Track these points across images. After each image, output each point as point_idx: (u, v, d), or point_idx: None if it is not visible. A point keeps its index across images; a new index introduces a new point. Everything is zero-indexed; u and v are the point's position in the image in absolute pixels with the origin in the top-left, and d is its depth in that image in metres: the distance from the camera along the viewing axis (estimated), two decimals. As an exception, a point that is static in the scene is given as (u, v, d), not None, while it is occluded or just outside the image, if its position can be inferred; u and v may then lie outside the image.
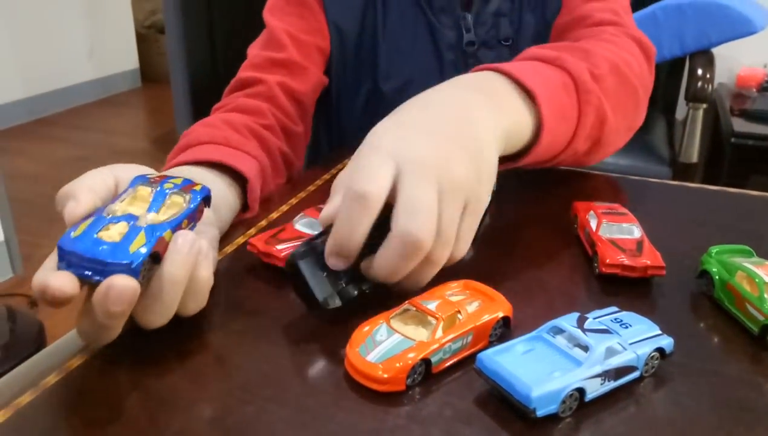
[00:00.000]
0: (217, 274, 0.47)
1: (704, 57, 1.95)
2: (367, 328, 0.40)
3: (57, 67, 3.80)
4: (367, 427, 0.35)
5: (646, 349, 0.38)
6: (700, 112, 1.92)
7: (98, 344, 0.39)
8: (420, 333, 0.39)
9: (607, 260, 0.48)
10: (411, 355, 0.37)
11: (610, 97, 0.60)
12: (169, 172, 0.48)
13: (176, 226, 0.40)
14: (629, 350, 0.38)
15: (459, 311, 0.40)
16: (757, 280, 0.44)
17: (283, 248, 0.49)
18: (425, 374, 0.38)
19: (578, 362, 0.36)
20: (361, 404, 0.37)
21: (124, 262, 0.36)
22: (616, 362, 0.37)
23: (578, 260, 0.53)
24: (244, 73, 0.73)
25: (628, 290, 0.48)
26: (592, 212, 0.54)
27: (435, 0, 0.74)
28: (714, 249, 0.49)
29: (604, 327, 0.38)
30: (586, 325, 0.38)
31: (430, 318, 0.39)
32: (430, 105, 0.48)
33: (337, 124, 0.81)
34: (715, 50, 2.39)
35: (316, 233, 0.46)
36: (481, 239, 0.51)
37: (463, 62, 0.76)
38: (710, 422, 0.36)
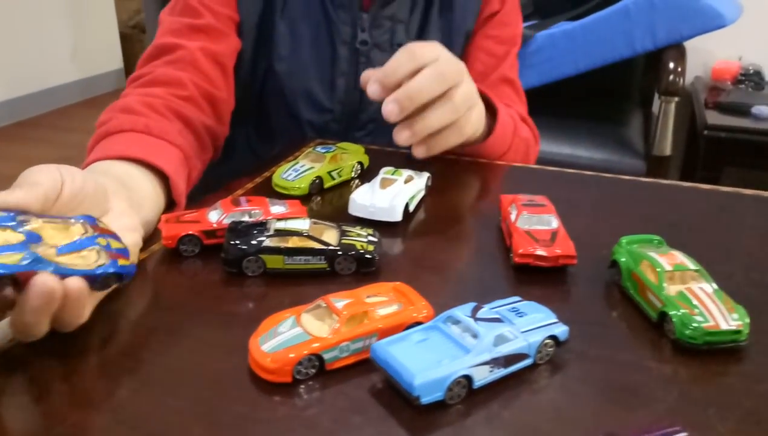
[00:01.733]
0: (142, 272, 0.48)
1: (676, 51, 1.96)
2: (277, 320, 0.41)
3: (39, 68, 3.78)
4: (260, 417, 0.36)
5: (538, 337, 0.39)
6: (672, 106, 1.94)
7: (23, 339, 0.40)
8: (321, 329, 0.40)
9: (520, 251, 0.49)
10: (302, 349, 0.38)
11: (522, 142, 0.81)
12: (103, 221, 0.46)
13: (61, 273, 0.38)
14: (520, 338, 0.39)
15: (367, 312, 0.41)
16: (658, 269, 0.45)
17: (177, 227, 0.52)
18: (319, 369, 0.39)
19: (467, 349, 0.37)
20: (257, 394, 0.38)
21: None
22: (506, 349, 0.38)
23: (499, 251, 0.54)
24: (162, 39, 0.73)
25: (543, 279, 0.49)
26: (513, 205, 0.55)
27: None
28: (624, 239, 0.50)
29: (497, 316, 0.39)
30: (479, 314, 0.39)
31: (334, 316, 0.40)
32: None
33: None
34: (690, 44, 2.40)
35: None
36: (416, 213, 0.52)
37: (354, 60, 0.78)
38: (595, 406, 0.37)
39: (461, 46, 0.85)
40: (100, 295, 0.43)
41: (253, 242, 0.48)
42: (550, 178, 0.72)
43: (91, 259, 0.41)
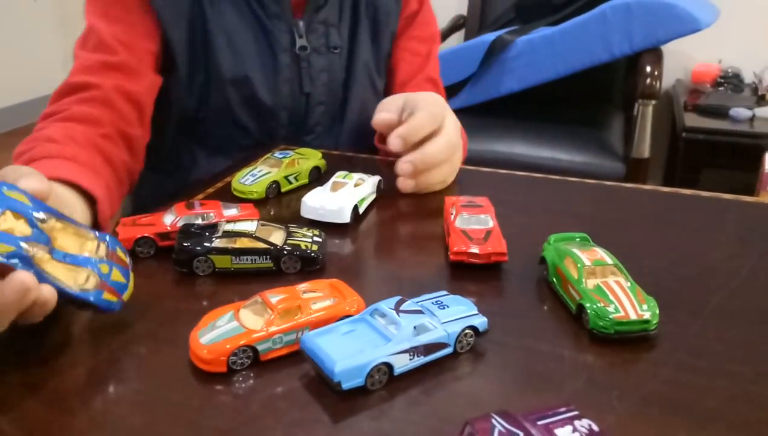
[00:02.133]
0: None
1: (653, 54, 1.99)
2: (216, 315, 0.44)
3: (30, 77, 3.81)
4: (194, 404, 0.39)
5: (458, 327, 0.42)
6: (650, 109, 1.97)
7: None
8: (257, 323, 0.42)
9: (455, 248, 0.52)
10: (236, 341, 0.41)
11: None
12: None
13: (41, 280, 0.40)
14: (440, 328, 0.41)
15: (300, 307, 0.44)
16: (579, 264, 0.48)
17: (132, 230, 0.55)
18: (253, 360, 0.41)
19: (388, 339, 0.40)
20: (194, 384, 0.40)
21: None
22: (425, 338, 0.41)
23: (440, 250, 0.57)
24: (75, 77, 0.72)
25: (478, 275, 0.52)
26: (454, 206, 0.58)
27: (269, 6, 0.78)
28: (552, 237, 0.53)
29: (419, 308, 0.42)
30: (403, 306, 0.42)
31: (269, 310, 0.43)
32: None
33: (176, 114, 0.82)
34: (671, 47, 2.44)
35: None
36: (366, 215, 0.55)
37: (296, 65, 0.81)
38: (508, 391, 0.40)
39: (388, 48, 0.88)
40: None
41: (203, 244, 0.51)
42: (500, 179, 0.75)
43: (80, 279, 0.43)
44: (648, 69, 1.93)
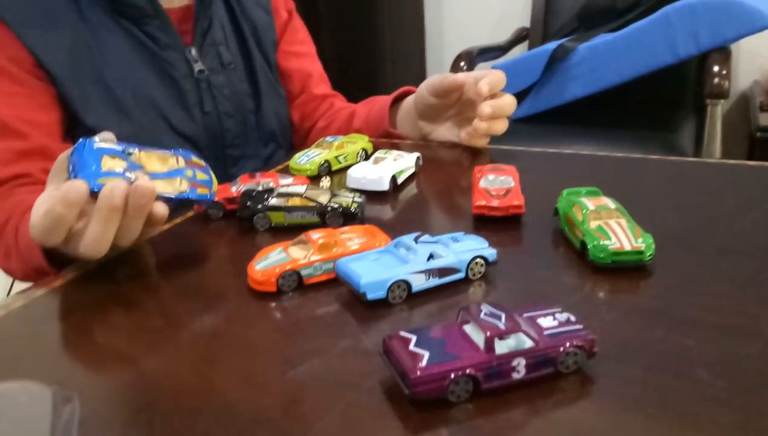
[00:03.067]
0: (180, 229, 0.61)
1: (720, 54, 1.97)
2: (269, 250, 0.53)
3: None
4: (250, 312, 0.48)
5: (468, 256, 0.49)
6: (719, 109, 1.95)
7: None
8: (301, 254, 0.51)
9: (476, 203, 0.59)
10: (284, 266, 0.50)
11: None
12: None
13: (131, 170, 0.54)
14: (452, 255, 0.49)
15: (337, 242, 0.52)
16: (584, 209, 0.53)
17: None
18: (298, 282, 0.50)
19: (407, 262, 0.48)
20: (250, 300, 0.50)
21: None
22: (439, 263, 0.48)
23: (467, 211, 0.64)
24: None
25: (497, 226, 0.59)
26: (481, 172, 0.65)
27: (160, 39, 0.82)
28: (566, 191, 0.59)
29: (434, 240, 0.50)
30: (421, 239, 0.50)
31: (310, 244, 0.52)
32: None
33: None
34: (746, 48, 2.39)
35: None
36: (405, 187, 0.63)
37: (197, 88, 0.85)
38: (507, 302, 0.47)
39: (274, 57, 0.97)
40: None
41: (262, 202, 0.61)
42: (538, 158, 0.81)
43: (176, 186, 0.55)
44: (716, 69, 1.91)
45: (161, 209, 0.54)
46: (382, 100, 0.95)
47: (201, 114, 0.86)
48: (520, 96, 2.12)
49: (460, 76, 0.81)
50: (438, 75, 0.84)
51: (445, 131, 0.88)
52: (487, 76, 0.79)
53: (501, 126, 0.80)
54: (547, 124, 2.00)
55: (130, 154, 0.55)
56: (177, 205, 0.56)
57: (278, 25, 0.99)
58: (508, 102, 0.80)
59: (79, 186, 0.50)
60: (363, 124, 0.95)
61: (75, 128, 0.79)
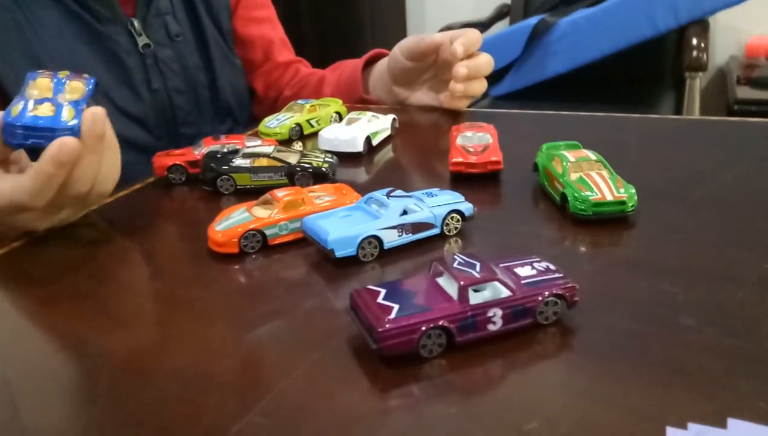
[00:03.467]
0: (140, 196, 0.58)
1: (699, 26, 1.96)
2: (232, 211, 0.50)
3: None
4: (210, 275, 0.45)
5: (443, 211, 0.46)
6: (697, 81, 1.94)
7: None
8: (265, 213, 0.48)
9: (453, 160, 0.56)
10: (246, 226, 0.46)
11: None
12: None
13: (86, 101, 0.50)
14: (426, 210, 0.46)
15: (304, 200, 0.49)
16: (564, 162, 0.51)
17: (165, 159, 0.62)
18: (263, 243, 0.47)
19: (378, 217, 0.45)
20: (210, 262, 0.46)
21: (68, 126, 0.48)
22: (412, 218, 0.45)
23: (443, 171, 0.61)
24: None
25: (476, 184, 0.56)
26: (458, 130, 0.62)
27: (99, 12, 0.75)
28: (545, 145, 0.56)
29: (408, 195, 0.47)
30: (393, 194, 0.47)
31: (275, 203, 0.49)
32: None
33: None
34: (723, 22, 2.38)
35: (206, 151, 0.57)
36: (380, 148, 0.60)
37: (143, 64, 0.79)
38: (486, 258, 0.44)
39: (228, 24, 0.90)
40: None
41: (226, 164, 0.57)
42: (517, 118, 0.78)
43: (78, 86, 0.51)
44: (694, 41, 1.90)
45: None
46: (352, 65, 0.91)
47: (148, 92, 0.80)
48: (501, 73, 2.09)
49: (437, 37, 0.78)
50: (412, 37, 0.81)
51: (422, 95, 0.85)
52: (462, 36, 0.76)
53: (479, 86, 0.78)
54: (528, 101, 1.98)
55: (31, 97, 0.50)
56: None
57: None
58: (484, 61, 0.77)
59: (70, 143, 0.47)
60: (334, 90, 0.91)
61: None
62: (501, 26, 2.47)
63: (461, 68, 0.75)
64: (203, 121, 0.86)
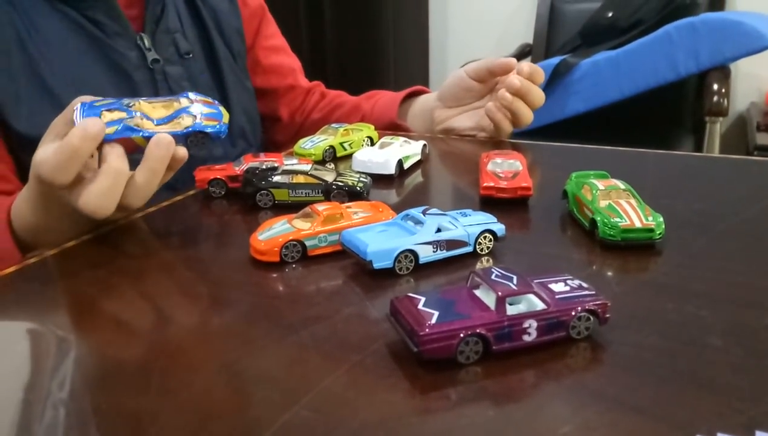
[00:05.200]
0: (180, 207, 0.60)
1: (720, 72, 1.99)
2: (273, 222, 0.52)
3: None
4: (253, 281, 0.47)
5: (477, 230, 0.48)
6: (717, 126, 1.97)
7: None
8: (305, 225, 0.50)
9: (484, 184, 0.59)
10: (287, 236, 0.49)
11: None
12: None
13: (149, 135, 0.52)
14: (460, 228, 0.48)
15: (343, 215, 0.51)
16: (593, 190, 0.53)
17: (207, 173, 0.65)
18: (302, 254, 0.49)
19: (414, 233, 0.47)
20: (251, 269, 0.49)
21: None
22: (446, 235, 0.47)
23: (474, 195, 0.63)
24: None
25: (506, 208, 0.58)
26: (488, 156, 0.64)
27: (108, 26, 0.74)
28: (574, 174, 0.58)
29: (443, 213, 0.49)
30: (429, 211, 0.49)
31: (315, 215, 0.51)
32: None
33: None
34: (744, 70, 2.41)
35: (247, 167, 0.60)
36: (411, 172, 0.63)
37: (152, 79, 0.77)
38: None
39: (240, 47, 0.90)
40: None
41: (265, 179, 0.60)
42: (546, 150, 0.81)
43: (180, 124, 0.54)
44: (715, 87, 1.93)
45: (181, 152, 0.53)
46: (390, 95, 0.94)
47: None
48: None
49: (512, 60, 0.81)
50: (479, 61, 0.84)
51: (465, 119, 0.87)
52: (528, 64, 0.79)
53: (525, 112, 0.79)
54: (549, 139, 2.00)
55: (129, 104, 0.53)
56: (187, 144, 0.54)
57: (245, 15, 0.92)
58: (538, 90, 0.79)
59: (97, 122, 0.49)
60: (368, 116, 0.94)
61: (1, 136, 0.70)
62: (522, 65, 2.52)
63: (515, 79, 0.77)
64: (214, 143, 0.83)
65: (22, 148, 0.70)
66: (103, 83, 0.73)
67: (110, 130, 0.51)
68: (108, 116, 0.52)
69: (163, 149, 0.51)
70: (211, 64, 0.85)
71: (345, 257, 0.49)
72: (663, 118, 2.31)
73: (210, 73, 0.85)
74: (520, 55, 2.54)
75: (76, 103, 0.53)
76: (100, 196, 0.50)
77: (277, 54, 0.99)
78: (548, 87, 2.05)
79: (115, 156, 0.50)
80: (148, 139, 0.52)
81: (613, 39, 2.23)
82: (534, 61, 2.49)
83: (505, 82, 0.79)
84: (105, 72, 0.74)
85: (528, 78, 0.78)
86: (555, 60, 2.08)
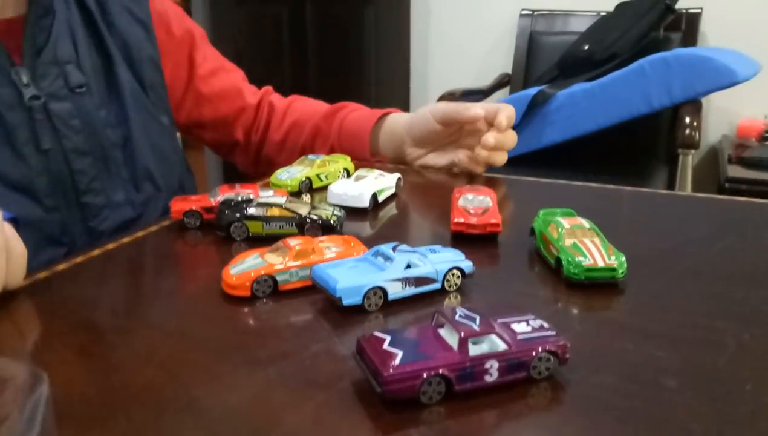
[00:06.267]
0: (155, 237, 0.61)
1: (692, 106, 2.04)
2: (245, 256, 0.52)
3: None
4: (222, 314, 0.47)
5: (445, 266, 0.49)
6: (690, 158, 2.01)
7: None
8: (277, 260, 0.51)
9: (455, 220, 0.60)
10: (259, 271, 0.49)
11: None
12: None
13: None
14: (429, 265, 0.49)
15: (314, 249, 0.52)
16: (559, 228, 0.54)
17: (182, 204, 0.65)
18: (273, 288, 0.50)
19: (383, 269, 0.48)
20: (221, 303, 0.49)
21: None
22: (415, 272, 0.48)
23: (445, 230, 0.64)
24: None
25: (475, 244, 0.59)
26: (460, 192, 0.66)
27: None
28: (542, 211, 0.59)
29: (412, 250, 0.50)
30: (399, 248, 0.50)
31: (287, 250, 0.52)
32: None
33: None
34: (716, 103, 2.48)
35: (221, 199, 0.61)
36: (385, 205, 0.64)
37: (30, 118, 0.68)
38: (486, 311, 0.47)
39: (155, 78, 0.82)
40: None
41: (240, 211, 0.61)
42: (516, 185, 0.82)
43: None
44: (687, 120, 1.98)
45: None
46: (355, 123, 0.91)
47: (36, 153, 0.68)
48: (500, 138, 2.16)
49: (478, 109, 0.81)
50: (445, 104, 0.84)
51: (437, 157, 0.88)
52: (504, 111, 0.79)
53: (500, 158, 0.81)
54: (523, 168, 2.02)
55: None
56: None
57: (171, 46, 0.85)
58: (511, 137, 0.81)
59: None
60: (334, 144, 0.92)
61: None
62: (501, 94, 2.57)
63: (490, 138, 0.79)
64: (113, 187, 0.74)
65: None
66: None
67: None
68: None
69: None
70: (113, 97, 0.75)
71: (315, 291, 0.49)
72: (637, 149, 2.36)
73: (110, 108, 0.75)
74: (499, 84, 2.59)
75: None
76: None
77: (218, 77, 0.93)
78: (525, 117, 2.09)
79: None
80: None
81: (589, 71, 2.29)
82: (512, 90, 2.54)
83: (481, 140, 0.80)
84: None
85: (504, 130, 0.79)
86: (533, 90, 2.13)
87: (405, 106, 2.71)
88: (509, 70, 2.60)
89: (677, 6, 2.24)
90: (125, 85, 0.76)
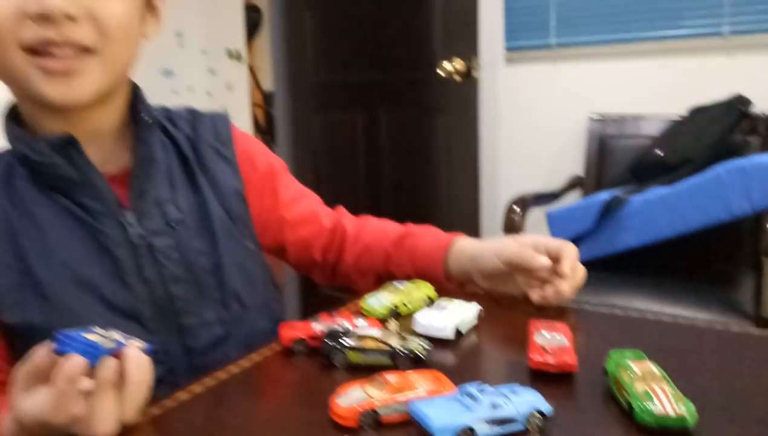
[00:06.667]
0: (271, 362, 0.70)
1: (774, 213, 2.00)
2: (348, 387, 0.61)
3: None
4: (331, 445, 0.55)
5: (527, 408, 0.56)
6: (776, 266, 1.96)
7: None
8: (378, 394, 0.59)
9: (533, 357, 0.66)
10: (364, 405, 0.57)
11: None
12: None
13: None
14: (511, 406, 0.55)
15: (408, 386, 0.60)
16: (629, 372, 0.60)
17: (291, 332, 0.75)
18: (376, 420, 0.57)
19: (472, 410, 0.55)
20: (331, 432, 0.57)
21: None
22: (500, 413, 0.55)
23: (522, 359, 0.70)
24: None
25: (552, 381, 0.65)
26: (536, 326, 0.72)
27: (92, 207, 0.77)
28: (612, 353, 0.65)
29: (495, 391, 0.57)
30: (485, 388, 0.57)
31: (385, 385, 0.60)
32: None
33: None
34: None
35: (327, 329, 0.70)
36: (468, 337, 0.71)
37: (134, 254, 0.77)
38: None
39: (239, 207, 0.90)
40: None
41: (341, 343, 0.69)
42: (589, 318, 0.88)
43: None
44: (769, 227, 1.95)
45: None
46: (426, 250, 0.96)
47: (140, 282, 0.78)
48: (575, 241, 2.17)
49: (544, 261, 0.84)
50: (510, 244, 0.88)
51: (510, 288, 0.92)
52: (568, 259, 0.85)
53: (570, 296, 0.86)
54: (601, 272, 2.03)
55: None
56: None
57: (255, 179, 0.94)
58: (581, 277, 0.87)
59: (75, 359, 0.53)
60: (411, 273, 0.97)
61: None
62: (573, 196, 2.59)
63: (567, 288, 0.85)
64: (205, 307, 0.82)
65: (9, 336, 0.76)
66: (87, 263, 0.76)
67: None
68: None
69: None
70: (205, 228, 0.84)
71: (412, 424, 0.57)
72: (720, 253, 2.28)
73: (203, 237, 0.83)
74: (570, 186, 2.61)
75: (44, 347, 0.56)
76: (100, 420, 0.55)
77: (299, 203, 1.01)
78: (600, 221, 2.11)
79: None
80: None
81: (662, 175, 2.28)
82: (585, 192, 2.57)
83: (555, 288, 0.85)
84: (88, 253, 0.76)
85: (569, 277, 0.85)
86: (604, 195, 2.14)
87: (474, 211, 2.73)
88: (580, 172, 2.62)
89: (755, 110, 2.23)
90: (215, 217, 0.85)
